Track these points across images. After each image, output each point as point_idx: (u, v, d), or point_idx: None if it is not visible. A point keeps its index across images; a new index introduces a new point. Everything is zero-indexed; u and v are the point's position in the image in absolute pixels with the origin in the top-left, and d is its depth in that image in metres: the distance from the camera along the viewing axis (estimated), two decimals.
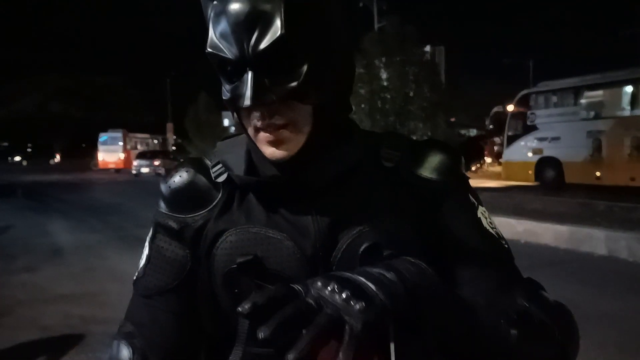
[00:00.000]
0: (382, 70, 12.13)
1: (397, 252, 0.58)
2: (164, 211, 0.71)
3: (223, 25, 0.59)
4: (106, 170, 30.14)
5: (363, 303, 0.46)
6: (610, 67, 12.33)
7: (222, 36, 0.59)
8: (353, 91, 0.72)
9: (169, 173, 0.73)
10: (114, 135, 31.33)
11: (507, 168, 13.27)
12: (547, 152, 11.86)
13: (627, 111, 10.69)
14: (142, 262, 0.72)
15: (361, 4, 18.38)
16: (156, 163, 23.77)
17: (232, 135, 0.76)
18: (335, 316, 0.46)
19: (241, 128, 0.66)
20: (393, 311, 0.47)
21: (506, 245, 0.70)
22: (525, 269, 0.70)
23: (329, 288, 0.47)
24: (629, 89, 10.74)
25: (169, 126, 37.35)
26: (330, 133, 0.66)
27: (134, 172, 24.61)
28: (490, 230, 0.69)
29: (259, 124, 0.61)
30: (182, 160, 0.79)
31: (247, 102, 0.57)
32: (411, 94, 11.92)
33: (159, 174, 20.21)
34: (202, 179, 0.70)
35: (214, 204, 0.68)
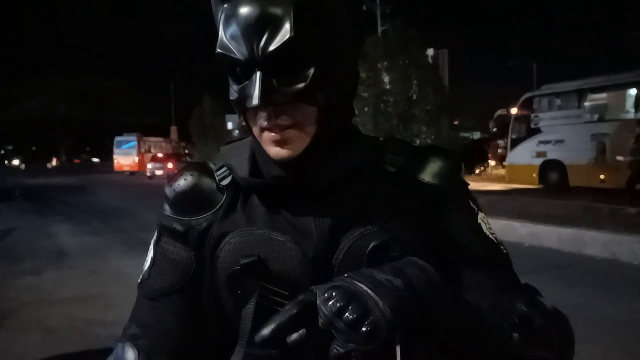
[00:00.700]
0: (386, 73, 12.14)
1: (401, 253, 0.58)
2: (168, 214, 0.72)
3: (234, 27, 0.60)
4: (121, 172, 30.98)
5: (367, 329, 0.46)
6: (615, 69, 12.23)
7: (232, 38, 0.60)
8: (356, 94, 0.73)
9: (174, 176, 0.74)
10: (129, 139, 32.14)
11: (511, 171, 13.24)
12: (551, 155, 11.83)
13: (631, 114, 10.66)
14: (147, 264, 0.72)
15: (364, 8, 18.43)
16: (169, 166, 24.44)
17: (236, 140, 0.77)
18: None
19: (246, 128, 0.67)
20: (400, 324, 0.48)
21: (505, 251, 0.71)
22: (529, 272, 0.71)
23: (332, 309, 0.48)
24: (633, 91, 10.70)
25: (173, 129, 37.61)
26: (334, 135, 0.67)
27: (148, 174, 25.31)
28: (490, 235, 0.70)
29: (265, 124, 0.62)
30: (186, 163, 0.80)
31: (255, 101, 0.59)
32: (414, 97, 11.91)
33: None
34: (206, 182, 0.71)
35: (218, 206, 0.69)
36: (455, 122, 15.08)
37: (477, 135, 25.59)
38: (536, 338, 0.61)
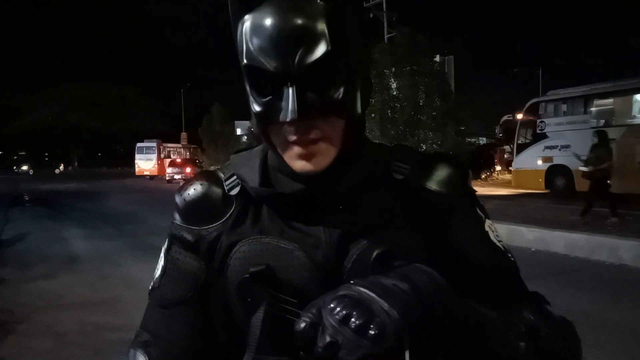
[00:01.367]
0: (393, 80, 12.18)
1: (408, 261, 0.58)
2: (179, 223, 0.72)
3: (263, 38, 0.58)
4: (142, 176, 32.59)
5: (375, 332, 0.46)
6: (621, 75, 12.17)
7: (262, 50, 0.58)
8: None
9: (183, 186, 0.74)
10: (150, 145, 33.49)
11: (518, 176, 13.19)
12: (557, 160, 11.77)
13: (637, 119, 10.60)
14: (158, 272, 0.73)
15: (371, 15, 18.53)
16: (187, 170, 25.45)
17: (246, 149, 0.77)
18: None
19: (257, 137, 0.67)
20: (407, 327, 0.48)
21: (512, 259, 0.70)
22: (537, 277, 0.73)
23: (338, 318, 0.47)
24: (639, 97, 10.66)
25: (183, 135, 38.35)
26: (357, 147, 0.67)
27: (167, 178, 26.46)
28: (497, 243, 0.70)
29: (293, 137, 0.61)
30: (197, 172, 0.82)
31: (292, 115, 0.57)
32: (421, 103, 11.92)
33: None
34: (216, 192, 0.71)
35: (227, 215, 0.69)
36: (462, 128, 15.04)
37: (483, 140, 25.46)
38: (543, 347, 0.61)
